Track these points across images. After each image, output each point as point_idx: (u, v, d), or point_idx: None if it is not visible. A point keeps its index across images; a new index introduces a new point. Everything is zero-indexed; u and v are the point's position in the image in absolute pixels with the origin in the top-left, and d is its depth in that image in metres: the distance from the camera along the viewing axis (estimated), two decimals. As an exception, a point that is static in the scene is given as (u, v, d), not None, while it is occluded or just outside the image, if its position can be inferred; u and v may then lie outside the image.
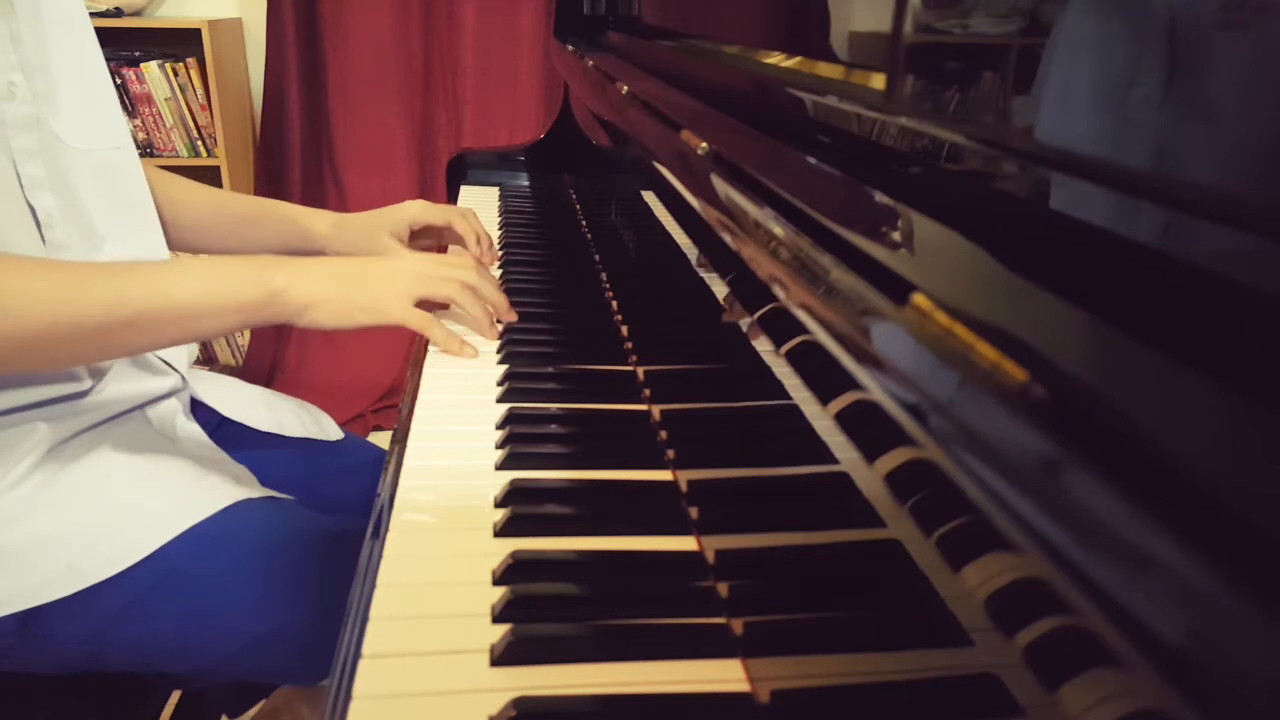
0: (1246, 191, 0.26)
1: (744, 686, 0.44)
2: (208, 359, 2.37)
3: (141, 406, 0.81)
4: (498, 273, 1.02)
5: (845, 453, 0.37)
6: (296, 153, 2.27)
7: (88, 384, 0.75)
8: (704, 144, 0.60)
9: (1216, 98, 0.26)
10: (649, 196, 0.86)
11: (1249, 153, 0.26)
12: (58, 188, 0.74)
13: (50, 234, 0.73)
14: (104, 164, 0.80)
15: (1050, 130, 0.33)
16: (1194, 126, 0.27)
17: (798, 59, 0.63)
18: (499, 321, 0.84)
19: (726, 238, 0.50)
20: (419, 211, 0.99)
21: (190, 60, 2.11)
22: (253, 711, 1.06)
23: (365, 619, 0.46)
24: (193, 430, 0.85)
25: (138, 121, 2.13)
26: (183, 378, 0.86)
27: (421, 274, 0.78)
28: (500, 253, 1.08)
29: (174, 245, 0.92)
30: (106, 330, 0.64)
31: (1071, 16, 0.33)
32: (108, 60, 0.84)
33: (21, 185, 0.71)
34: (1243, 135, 0.26)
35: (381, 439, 1.60)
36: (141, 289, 0.66)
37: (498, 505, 0.57)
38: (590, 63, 1.13)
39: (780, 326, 0.43)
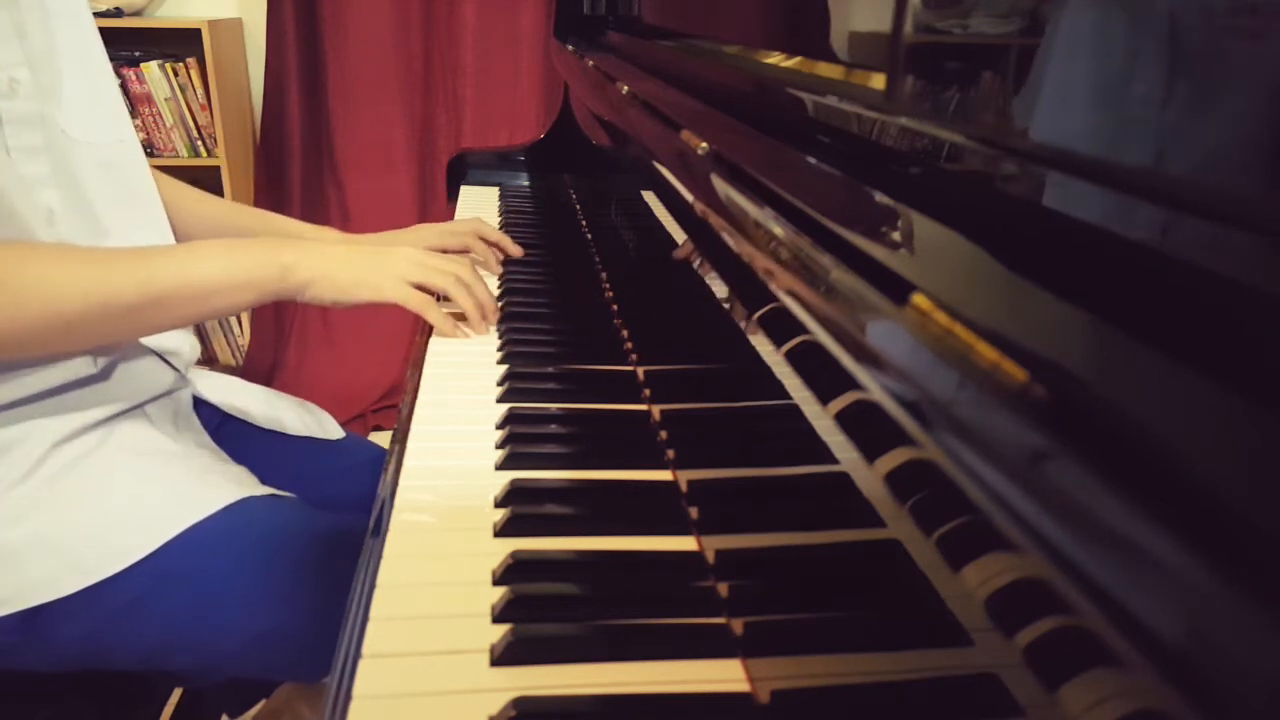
0: (1247, 190, 0.26)
1: (744, 686, 0.44)
2: (208, 359, 2.37)
3: (143, 405, 0.81)
4: (498, 276, 1.02)
5: (845, 453, 0.37)
6: (296, 153, 2.26)
7: (91, 381, 0.75)
8: (704, 144, 0.60)
9: (1217, 97, 0.26)
10: (649, 196, 0.86)
11: (1250, 151, 0.26)
12: (63, 183, 0.74)
13: (54, 231, 0.72)
14: (109, 157, 0.80)
15: (1050, 130, 0.33)
16: (1194, 126, 0.27)
17: (798, 59, 0.63)
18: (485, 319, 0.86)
19: (726, 238, 0.50)
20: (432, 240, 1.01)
21: (190, 60, 2.10)
22: (253, 711, 1.06)
23: (365, 619, 0.46)
24: (194, 430, 0.85)
25: (138, 122, 2.12)
26: (184, 377, 0.86)
27: (419, 261, 0.83)
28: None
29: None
30: (136, 310, 0.68)
31: (1071, 16, 0.33)
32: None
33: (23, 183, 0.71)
34: (1243, 134, 0.26)
35: (381, 439, 1.60)
36: (166, 269, 0.70)
37: (498, 505, 0.57)
38: (590, 63, 1.13)
39: (780, 326, 0.43)
